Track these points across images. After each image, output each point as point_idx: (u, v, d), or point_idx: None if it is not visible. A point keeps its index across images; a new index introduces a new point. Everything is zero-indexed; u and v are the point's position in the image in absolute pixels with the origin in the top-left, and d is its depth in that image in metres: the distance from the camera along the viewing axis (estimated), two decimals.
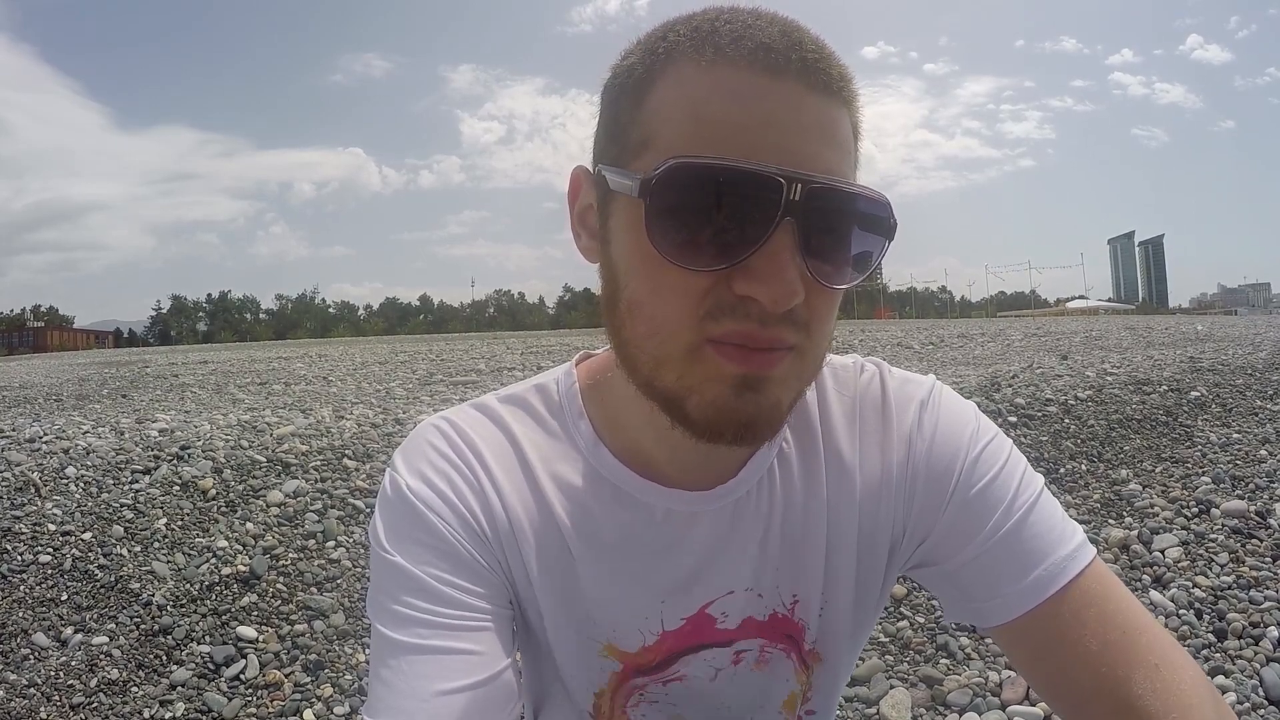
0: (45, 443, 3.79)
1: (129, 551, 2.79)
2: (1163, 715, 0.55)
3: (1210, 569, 2.67)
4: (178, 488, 3.25)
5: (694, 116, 0.51)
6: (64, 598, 2.54)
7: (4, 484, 3.16)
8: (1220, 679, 2.14)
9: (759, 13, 0.54)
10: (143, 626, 2.45)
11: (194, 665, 2.32)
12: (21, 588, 2.56)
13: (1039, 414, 4.37)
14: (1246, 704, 2.05)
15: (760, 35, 0.51)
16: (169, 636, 2.42)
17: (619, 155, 0.55)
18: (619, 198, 0.54)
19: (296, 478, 3.42)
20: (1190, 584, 2.59)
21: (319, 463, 3.60)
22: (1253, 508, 3.04)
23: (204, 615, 2.52)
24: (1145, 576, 2.68)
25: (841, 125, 0.53)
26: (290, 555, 2.85)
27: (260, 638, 2.45)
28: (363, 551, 2.91)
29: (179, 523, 3.00)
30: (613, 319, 0.58)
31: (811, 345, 0.55)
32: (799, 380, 0.56)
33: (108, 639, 2.38)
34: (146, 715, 2.14)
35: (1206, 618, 2.42)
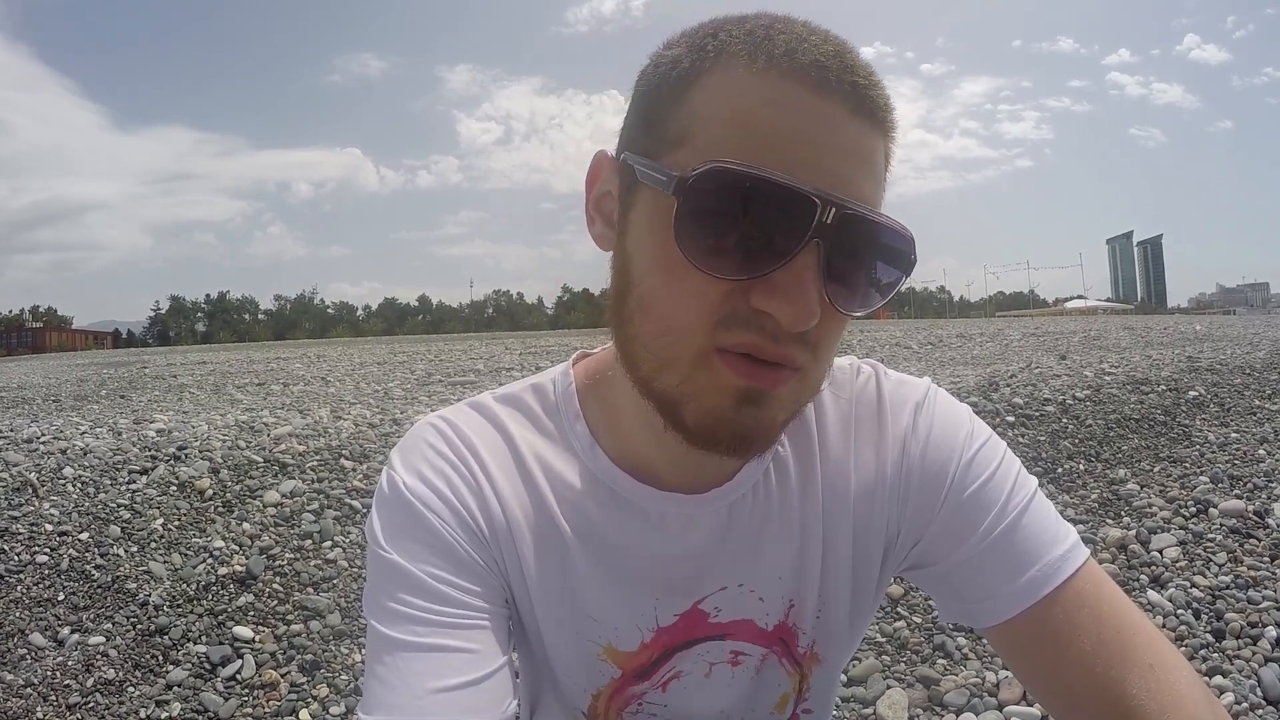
0: (43, 443, 3.79)
1: (126, 551, 2.79)
2: (1157, 715, 0.55)
3: (1208, 569, 2.67)
4: (175, 488, 3.25)
5: (738, 122, 0.50)
6: (61, 598, 2.54)
7: (1, 484, 3.15)
8: (1218, 679, 2.14)
9: (813, 28, 0.53)
10: (139, 626, 2.45)
11: (190, 665, 2.32)
12: (18, 588, 2.56)
13: (1037, 414, 4.38)
14: (1245, 704, 2.05)
15: (815, 52, 0.51)
16: (165, 636, 2.42)
17: (651, 147, 0.54)
18: (645, 190, 0.54)
19: (293, 478, 3.42)
20: (1188, 584, 2.59)
21: (316, 463, 3.60)
22: (1251, 507, 3.04)
23: (200, 615, 2.52)
24: (1143, 576, 2.68)
25: (879, 155, 0.53)
26: (287, 555, 2.85)
27: (257, 638, 2.45)
28: (359, 552, 2.91)
29: (176, 523, 3.00)
30: (620, 312, 0.57)
31: (816, 367, 0.55)
32: (797, 401, 0.56)
33: (104, 639, 2.38)
34: (143, 715, 2.14)
35: (1204, 617, 2.42)
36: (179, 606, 2.55)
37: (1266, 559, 2.71)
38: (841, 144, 0.50)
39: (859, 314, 0.54)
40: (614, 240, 0.58)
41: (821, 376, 0.57)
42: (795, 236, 0.49)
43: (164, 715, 2.15)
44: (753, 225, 0.49)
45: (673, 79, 0.54)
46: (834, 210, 0.49)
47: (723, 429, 0.53)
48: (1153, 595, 2.55)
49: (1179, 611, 2.45)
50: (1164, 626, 2.38)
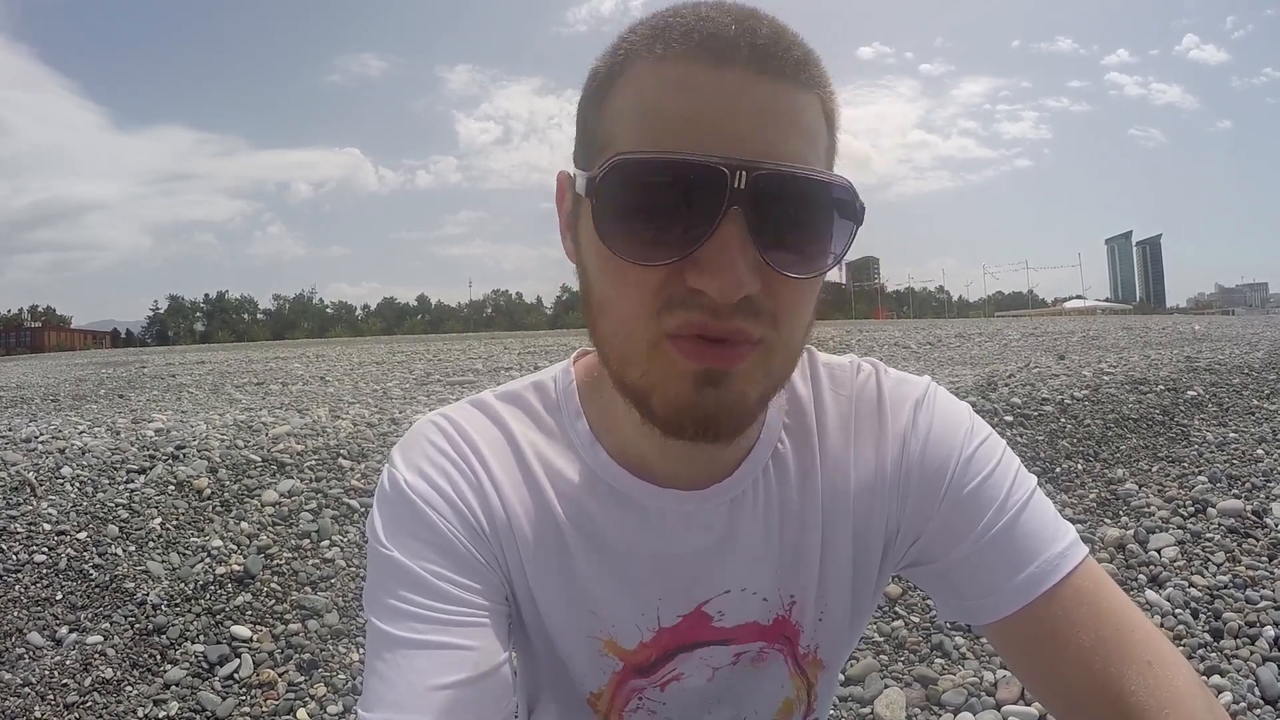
0: (41, 442, 3.78)
1: (124, 551, 2.79)
2: (1155, 712, 0.55)
3: (1206, 568, 2.68)
4: (173, 487, 3.25)
5: (643, 113, 0.51)
6: (59, 597, 2.53)
7: (0, 483, 3.15)
8: (1216, 678, 2.14)
9: (719, 5, 0.53)
10: (137, 626, 2.44)
11: (188, 664, 2.32)
12: (16, 587, 2.55)
13: (1035, 413, 4.38)
14: (1243, 703, 2.05)
15: (710, 26, 0.51)
16: (163, 636, 2.41)
17: (586, 159, 0.56)
18: (583, 199, 0.55)
19: (291, 477, 3.41)
20: (1186, 583, 2.60)
21: (314, 462, 3.60)
22: (1249, 507, 3.04)
23: (198, 614, 2.51)
24: (1141, 576, 2.68)
25: (802, 110, 0.52)
26: (285, 555, 2.85)
27: (254, 637, 2.45)
28: (357, 551, 2.91)
29: (174, 522, 3.00)
30: (588, 318, 0.58)
31: (780, 339, 0.54)
32: (767, 376, 0.55)
33: (102, 638, 2.38)
34: (141, 714, 2.14)
35: (1203, 617, 2.43)
36: (177, 606, 2.54)
37: (1265, 559, 2.71)
38: (751, 107, 0.50)
39: (809, 276, 0.53)
40: (576, 253, 0.59)
41: (792, 348, 0.57)
42: (712, 209, 0.49)
43: (162, 714, 2.14)
44: (668, 207, 0.50)
45: (594, 90, 0.56)
46: (745, 174, 0.48)
47: (687, 415, 0.53)
48: (1151, 595, 2.55)
49: (1177, 611, 2.46)
50: (1162, 626, 2.38)
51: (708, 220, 0.49)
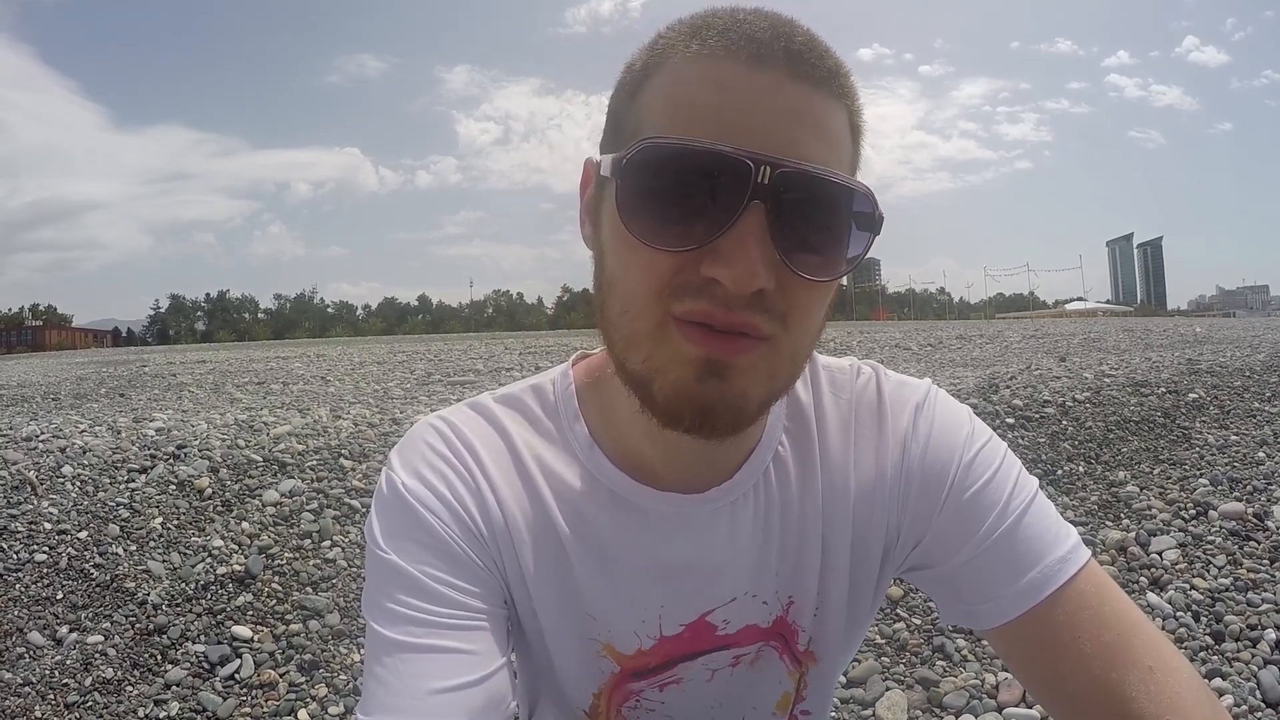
0: (42, 441, 3.78)
1: (125, 550, 2.79)
2: (1157, 718, 0.55)
3: (1208, 571, 2.67)
4: (174, 487, 3.25)
5: (675, 104, 0.52)
6: (59, 596, 2.53)
7: (0, 482, 3.15)
8: (1218, 681, 2.14)
9: (757, 10, 0.54)
10: (138, 625, 2.44)
11: (189, 665, 2.32)
12: (17, 586, 2.55)
13: (1037, 416, 4.38)
14: (1244, 706, 2.05)
15: (749, 29, 0.52)
16: (164, 636, 2.41)
17: (615, 144, 0.56)
18: (608, 182, 0.55)
19: (293, 477, 3.41)
20: (1188, 586, 2.59)
21: (315, 462, 3.60)
22: (1250, 510, 3.04)
23: (199, 615, 2.51)
24: (1142, 578, 2.68)
25: (829, 117, 0.53)
26: (286, 555, 2.85)
27: (255, 637, 2.45)
28: (358, 551, 2.91)
29: (175, 522, 3.00)
30: (597, 300, 0.59)
31: (788, 340, 0.54)
32: (771, 376, 0.55)
33: (103, 638, 2.38)
34: (141, 714, 2.14)
35: (1204, 620, 2.42)
36: (178, 606, 2.54)
37: (1266, 561, 2.70)
38: (779, 107, 0.51)
39: (824, 279, 0.53)
40: (593, 237, 0.60)
41: (799, 351, 0.56)
42: (733, 200, 0.49)
43: (162, 714, 2.14)
44: (691, 195, 0.50)
45: (628, 82, 0.57)
46: (769, 169, 0.49)
47: (686, 404, 0.53)
48: (1152, 598, 2.55)
49: (1178, 614, 2.45)
50: (1163, 629, 2.38)
51: (729, 211, 0.49)
